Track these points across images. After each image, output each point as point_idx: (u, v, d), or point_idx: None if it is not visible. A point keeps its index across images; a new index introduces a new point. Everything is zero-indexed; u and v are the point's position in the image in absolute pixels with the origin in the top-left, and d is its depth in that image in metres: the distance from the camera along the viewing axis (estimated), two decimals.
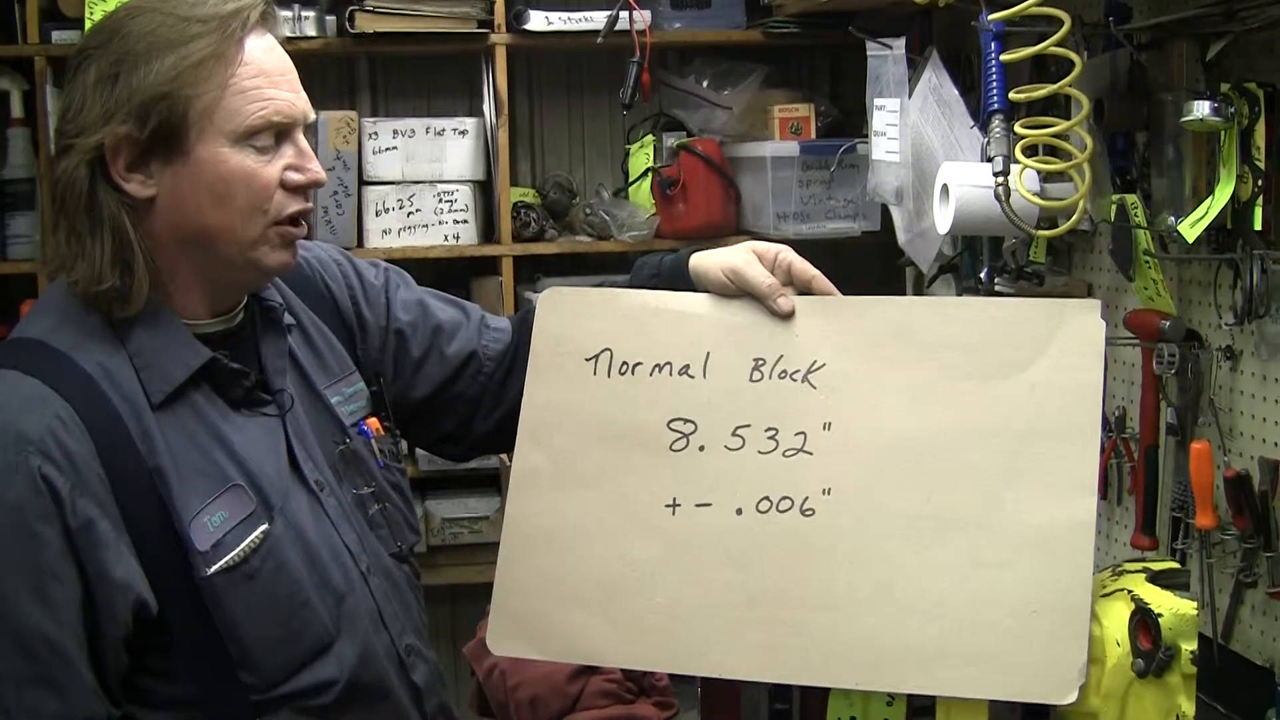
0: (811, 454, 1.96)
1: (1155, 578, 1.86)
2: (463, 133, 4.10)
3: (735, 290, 2.06)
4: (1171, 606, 1.77)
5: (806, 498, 1.95)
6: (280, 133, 1.92)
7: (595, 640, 1.98)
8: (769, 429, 2.00)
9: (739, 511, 1.97)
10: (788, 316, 2.03)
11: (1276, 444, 2.42)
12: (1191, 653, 1.75)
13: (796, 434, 1.98)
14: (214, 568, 1.87)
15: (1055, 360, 1.91)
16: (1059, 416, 1.89)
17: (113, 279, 1.87)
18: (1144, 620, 1.77)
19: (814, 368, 2.00)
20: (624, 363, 2.08)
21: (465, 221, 4.09)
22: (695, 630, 1.95)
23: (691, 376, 2.05)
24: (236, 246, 1.93)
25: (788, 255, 2.06)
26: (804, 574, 1.92)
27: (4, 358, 1.89)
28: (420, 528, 2.24)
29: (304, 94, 1.97)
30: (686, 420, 2.03)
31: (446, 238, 4.08)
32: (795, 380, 2.01)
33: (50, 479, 1.78)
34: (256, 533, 1.91)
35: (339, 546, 2.02)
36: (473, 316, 2.31)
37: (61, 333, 1.89)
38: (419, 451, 3.92)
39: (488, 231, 4.17)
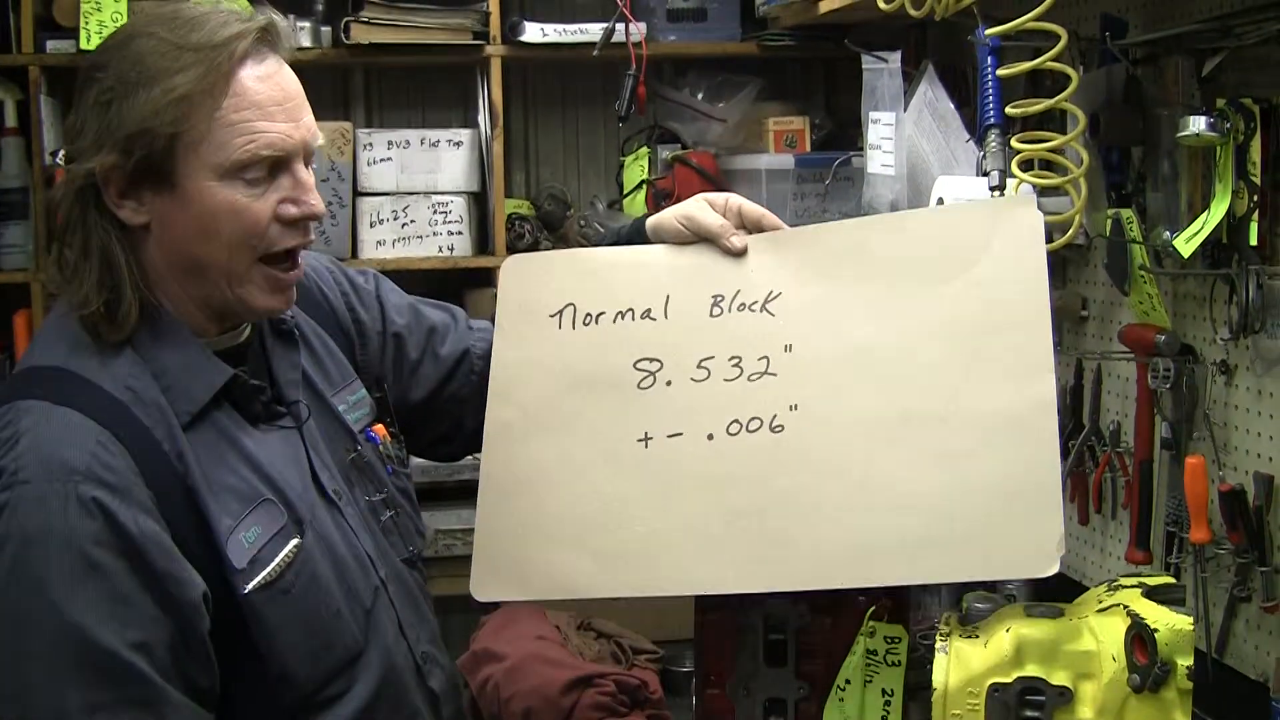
0: (775, 375, 2.03)
1: (1151, 593, 1.86)
2: (457, 144, 4.10)
3: (690, 236, 2.14)
4: (1168, 622, 1.77)
5: (775, 415, 2.01)
6: (275, 164, 1.88)
7: (578, 575, 2.02)
8: (732, 358, 2.06)
9: (710, 437, 2.03)
10: (741, 254, 2.11)
11: (1271, 458, 2.42)
12: (1187, 668, 1.75)
13: (759, 359, 2.05)
14: (251, 584, 1.86)
15: (999, 255, 1.99)
16: (1009, 307, 1.96)
17: (98, 303, 1.85)
18: (1140, 636, 1.77)
19: (771, 297, 2.08)
20: (587, 314, 2.15)
21: (460, 233, 4.09)
22: (678, 553, 1.99)
23: (654, 319, 2.12)
24: (225, 280, 1.91)
25: (737, 200, 2.15)
26: (780, 486, 1.97)
27: (29, 388, 1.86)
28: (426, 532, 2.25)
29: (308, 120, 1.93)
30: (652, 359, 2.10)
31: (441, 249, 4.08)
32: (754, 311, 2.08)
33: (102, 502, 1.75)
34: (290, 547, 1.91)
35: (362, 556, 2.03)
36: (459, 318, 2.36)
37: (82, 357, 1.87)
38: (413, 462, 3.90)
39: (482, 243, 4.17)
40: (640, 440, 2.06)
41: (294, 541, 1.92)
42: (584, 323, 2.14)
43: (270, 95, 1.87)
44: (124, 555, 1.76)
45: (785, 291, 2.07)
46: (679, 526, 1.99)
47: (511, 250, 4.07)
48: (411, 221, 4.07)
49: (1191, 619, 1.78)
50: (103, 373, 1.86)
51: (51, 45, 3.84)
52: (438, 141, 4.10)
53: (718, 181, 4.06)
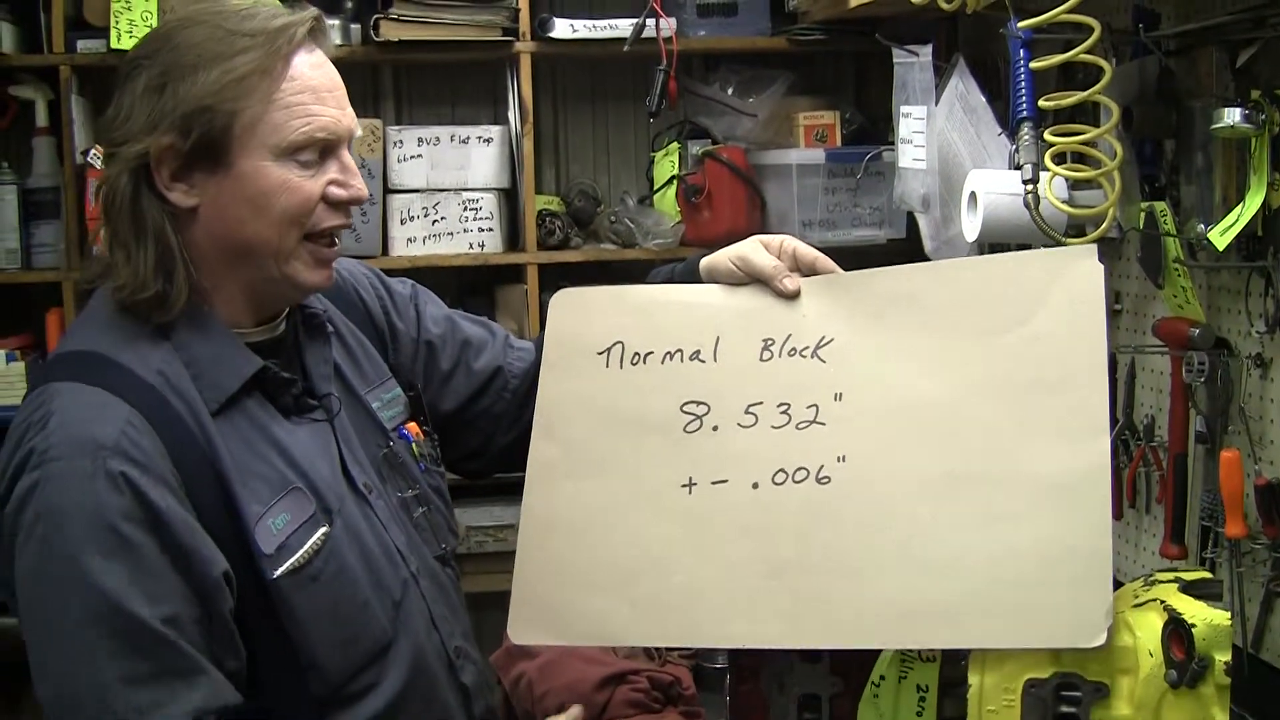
0: (824, 424, 1.99)
1: (1188, 588, 1.85)
2: (487, 141, 4.10)
3: (743, 277, 2.12)
4: (1205, 617, 1.76)
5: (822, 466, 1.97)
6: (325, 148, 1.94)
7: (616, 622, 1.99)
8: (781, 404, 2.03)
9: (755, 485, 2.00)
10: (793, 296, 2.08)
11: None
12: (1225, 663, 1.74)
13: (808, 407, 2.01)
14: (280, 570, 1.88)
15: (1056, 309, 1.93)
16: (1064, 364, 1.90)
17: (155, 286, 1.89)
18: (1177, 631, 1.76)
19: (822, 343, 2.04)
20: (635, 353, 2.12)
21: (490, 230, 4.09)
22: (716, 604, 1.96)
23: (702, 361, 2.09)
24: (273, 260, 1.94)
25: (792, 241, 2.13)
26: (823, 540, 1.94)
27: (63, 370, 1.89)
28: (459, 531, 2.26)
29: (350, 110, 1.98)
30: (699, 402, 2.06)
31: (471, 246, 4.08)
32: (805, 356, 2.04)
33: (130, 477, 1.78)
34: (318, 535, 1.93)
35: (391, 549, 2.05)
36: (498, 335, 2.36)
37: (116, 343, 1.90)
38: None
39: (512, 239, 4.17)
40: (684, 486, 2.03)
41: (322, 530, 1.94)
42: (631, 362, 2.12)
43: (323, 82, 1.94)
44: (152, 531, 1.79)
45: (837, 338, 2.03)
46: (719, 577, 1.96)
47: (542, 246, 4.07)
48: (442, 218, 4.07)
49: (1229, 614, 1.77)
50: (135, 357, 1.89)
51: (82, 45, 3.85)
52: (468, 138, 4.10)
53: (748, 177, 4.06)
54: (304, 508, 1.94)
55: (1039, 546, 1.83)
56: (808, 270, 2.10)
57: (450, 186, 4.09)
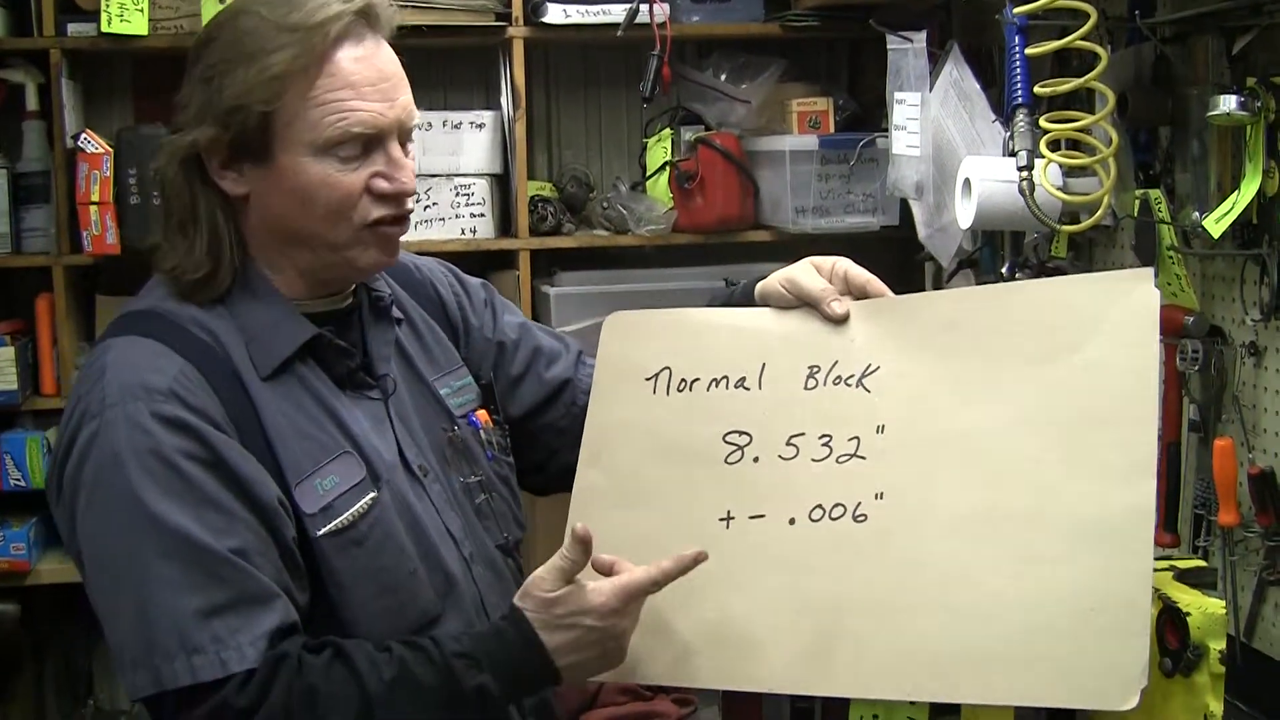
0: (865, 458, 1.96)
1: (1182, 576, 1.85)
2: (480, 126, 4.09)
3: (793, 300, 2.09)
4: (1200, 605, 1.75)
5: (859, 503, 1.93)
6: (369, 142, 1.93)
7: (645, 660, 1.96)
8: (823, 436, 1.99)
9: (792, 521, 1.96)
10: (842, 320, 2.04)
11: None
12: (1220, 652, 1.74)
13: (850, 439, 1.98)
14: (322, 531, 1.90)
15: (1109, 337, 1.87)
16: (1114, 398, 1.84)
17: (206, 267, 1.94)
18: (1172, 619, 1.76)
19: (868, 371, 2.00)
20: (682, 379, 2.10)
21: (482, 215, 4.08)
22: (747, 646, 1.93)
23: (747, 389, 2.07)
24: (328, 248, 1.97)
25: (844, 263, 2.10)
26: (856, 580, 1.90)
27: (123, 326, 1.95)
28: (526, 522, 2.24)
29: (404, 100, 1.98)
30: (742, 432, 2.04)
31: (463, 231, 4.07)
32: (850, 385, 2.01)
33: (183, 419, 1.83)
34: (365, 499, 1.95)
35: (442, 530, 2.04)
36: (571, 348, 2.35)
37: (174, 304, 1.95)
38: None
39: (505, 225, 4.15)
40: (722, 520, 2.00)
41: (370, 495, 1.95)
42: (678, 388, 2.10)
43: (365, 75, 1.93)
44: (211, 467, 1.83)
45: (883, 366, 1.99)
46: (749, 617, 1.93)
47: (535, 232, 4.06)
48: (434, 204, 4.05)
49: (1223, 602, 1.77)
50: (192, 319, 1.94)
51: (73, 29, 3.82)
52: (460, 123, 4.09)
53: (741, 163, 4.05)
54: (354, 472, 1.95)
55: (1076, 595, 1.77)
56: (858, 293, 2.06)
57: (442, 172, 4.07)
